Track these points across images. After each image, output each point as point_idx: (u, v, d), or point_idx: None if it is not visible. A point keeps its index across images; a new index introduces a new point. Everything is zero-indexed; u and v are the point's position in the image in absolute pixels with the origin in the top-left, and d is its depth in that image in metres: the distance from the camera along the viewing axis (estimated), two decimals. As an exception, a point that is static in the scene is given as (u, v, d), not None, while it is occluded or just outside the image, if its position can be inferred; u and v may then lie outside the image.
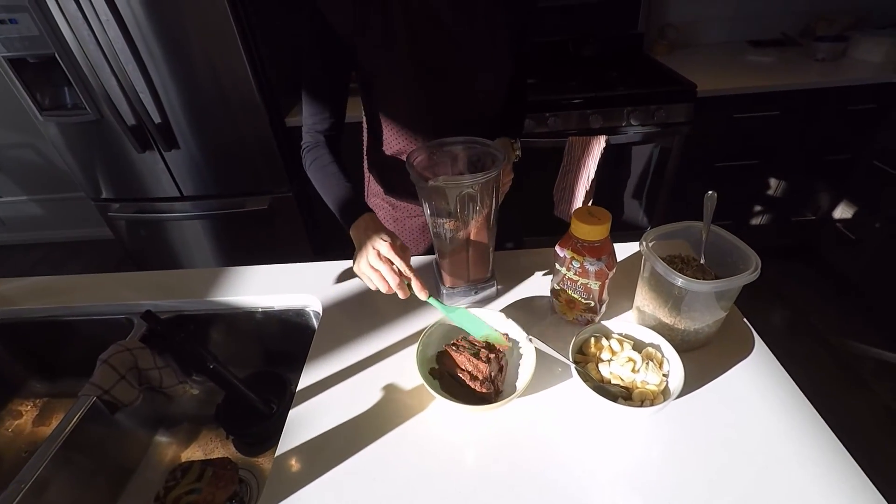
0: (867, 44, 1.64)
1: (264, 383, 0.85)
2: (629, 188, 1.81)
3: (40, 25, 1.33)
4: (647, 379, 0.53)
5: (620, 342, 0.57)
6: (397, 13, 0.69)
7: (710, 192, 0.62)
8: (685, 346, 0.60)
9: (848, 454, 0.50)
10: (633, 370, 0.53)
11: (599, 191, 1.58)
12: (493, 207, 0.63)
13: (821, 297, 1.90)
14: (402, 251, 0.61)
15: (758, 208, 1.87)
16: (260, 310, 0.83)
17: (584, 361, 0.58)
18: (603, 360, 0.56)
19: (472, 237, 0.65)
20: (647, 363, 0.53)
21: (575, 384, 0.55)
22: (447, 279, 0.72)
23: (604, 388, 0.54)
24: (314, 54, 0.73)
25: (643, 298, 0.64)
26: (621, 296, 0.71)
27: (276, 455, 0.55)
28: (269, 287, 0.83)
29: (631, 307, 0.70)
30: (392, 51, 0.71)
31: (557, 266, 0.65)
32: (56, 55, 1.38)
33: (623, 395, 0.53)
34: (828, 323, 1.79)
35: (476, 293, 0.73)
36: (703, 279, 0.57)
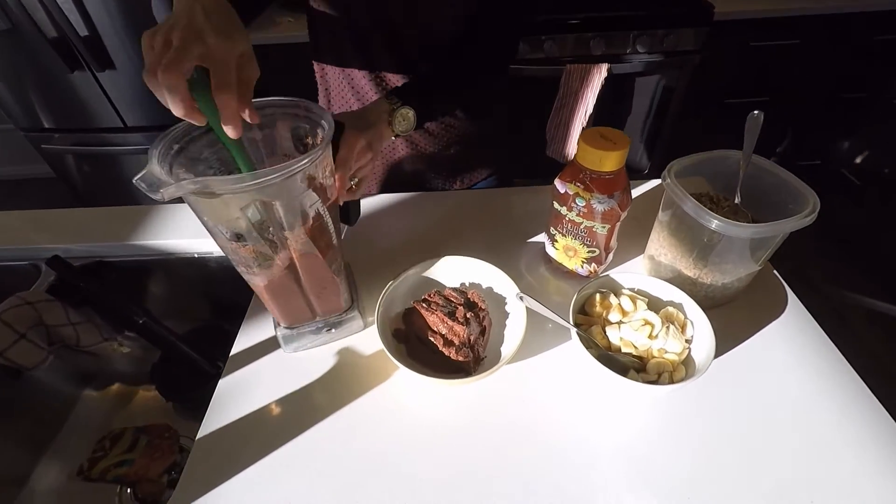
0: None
1: (208, 340, 0.73)
2: (628, 125, 1.65)
3: None
4: (666, 347, 0.42)
5: (633, 300, 0.46)
6: None
7: (755, 112, 0.48)
8: (708, 302, 0.49)
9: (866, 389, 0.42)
10: (649, 336, 0.42)
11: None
12: (325, 217, 0.40)
13: (818, 246, 1.84)
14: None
15: (763, 151, 1.75)
16: (196, 255, 0.69)
17: (588, 324, 0.46)
18: (611, 323, 0.45)
19: (297, 261, 0.41)
20: (668, 327, 0.42)
21: (575, 350, 0.44)
22: (279, 316, 0.48)
23: (612, 358, 0.43)
24: None
25: (660, 246, 0.52)
26: (627, 243, 0.59)
27: (197, 437, 0.44)
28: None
29: (640, 255, 0.59)
30: None
31: (556, 205, 0.52)
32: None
33: (635, 365, 0.43)
34: (824, 271, 1.74)
35: (330, 329, 0.50)
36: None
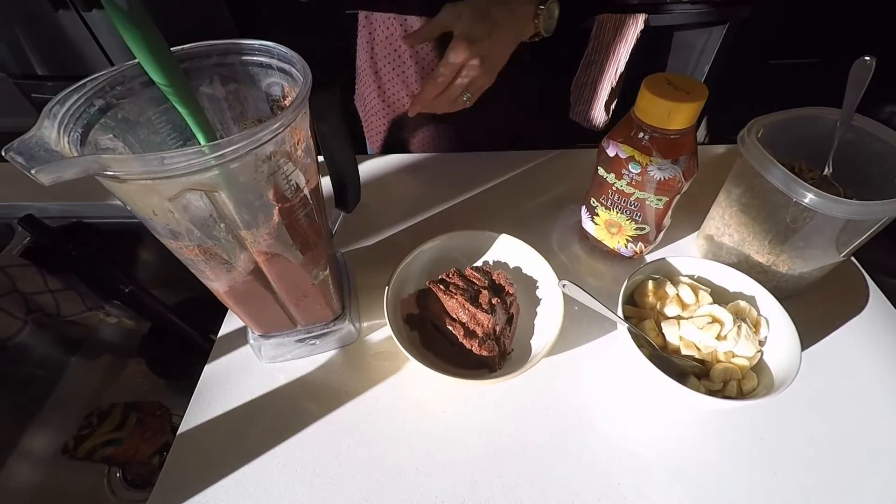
0: None
1: (202, 311, 0.67)
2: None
3: None
4: (736, 350, 0.34)
5: (695, 290, 0.38)
6: None
7: (866, 58, 0.38)
8: (779, 293, 0.41)
9: None
10: (717, 336, 0.35)
11: (623, 91, 1.30)
12: (307, 203, 0.31)
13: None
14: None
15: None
16: (186, 219, 0.62)
17: (639, 318, 0.39)
18: (667, 317, 0.37)
19: (264, 265, 0.32)
20: (739, 326, 0.35)
21: (622, 348, 0.36)
22: (252, 325, 0.40)
23: (667, 360, 0.36)
24: None
25: (724, 224, 0.43)
26: (676, 219, 0.51)
27: (178, 432, 0.38)
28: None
29: (692, 235, 0.50)
30: None
31: (601, 171, 0.43)
32: None
33: (696, 371, 0.35)
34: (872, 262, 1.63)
35: (315, 341, 0.41)
36: None
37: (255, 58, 0.31)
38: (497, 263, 0.46)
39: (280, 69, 0.30)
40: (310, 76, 0.27)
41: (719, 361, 0.35)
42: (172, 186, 0.24)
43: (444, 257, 0.45)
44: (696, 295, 0.38)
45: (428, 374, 0.36)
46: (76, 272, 0.62)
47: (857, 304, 0.44)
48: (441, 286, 0.41)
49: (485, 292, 0.41)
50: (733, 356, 0.35)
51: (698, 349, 0.36)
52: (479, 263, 0.46)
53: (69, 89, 0.26)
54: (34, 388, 0.61)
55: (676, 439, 0.36)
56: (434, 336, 0.41)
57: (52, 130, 0.24)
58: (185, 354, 0.64)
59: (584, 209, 0.49)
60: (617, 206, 0.44)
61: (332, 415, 0.39)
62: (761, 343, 0.36)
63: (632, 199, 0.42)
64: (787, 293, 0.43)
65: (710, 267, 0.40)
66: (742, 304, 0.37)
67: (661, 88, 0.36)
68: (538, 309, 0.43)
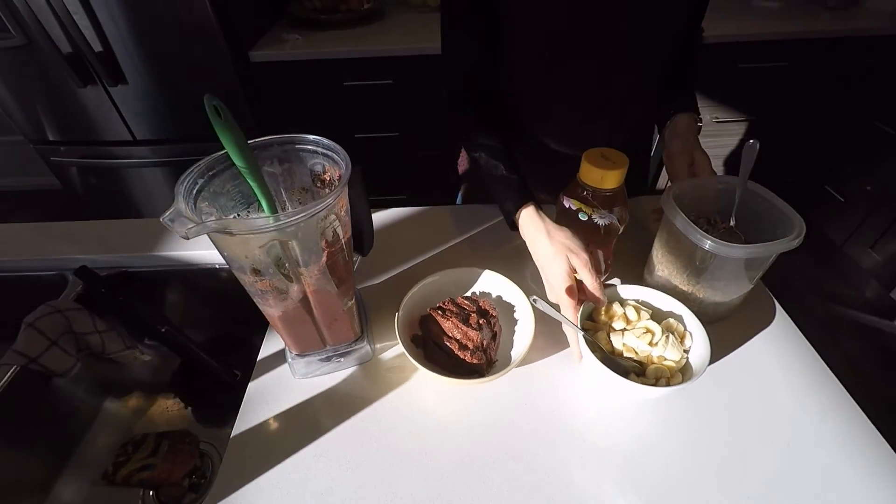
0: (881, -9, 1.53)
1: (227, 348, 0.77)
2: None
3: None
4: (666, 354, 0.46)
5: (637, 310, 0.50)
6: None
7: (751, 141, 0.53)
8: (704, 317, 0.53)
9: (878, 432, 0.46)
10: (650, 343, 0.46)
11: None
12: (343, 250, 0.43)
13: (801, 259, 1.90)
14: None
15: (753, 168, 1.82)
16: (219, 265, 0.73)
17: (594, 330, 0.51)
18: (615, 330, 0.49)
19: (310, 295, 0.43)
20: (668, 336, 0.46)
21: (589, 367, 0.48)
22: (291, 345, 0.51)
23: (614, 362, 0.47)
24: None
25: (659, 262, 0.56)
26: (633, 255, 0.64)
27: (232, 435, 0.47)
28: (228, 241, 0.72)
29: (640, 272, 0.63)
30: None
31: (560, 219, 0.56)
32: (-34, -37, 1.15)
33: (636, 370, 0.47)
34: (807, 284, 1.80)
35: (340, 358, 0.52)
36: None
37: (306, 146, 0.43)
38: (482, 293, 0.58)
39: (323, 154, 0.43)
40: (349, 161, 0.40)
41: (653, 363, 0.47)
42: (264, 238, 0.35)
43: (440, 289, 0.57)
44: (638, 314, 0.50)
45: (431, 382, 0.46)
46: (120, 315, 0.71)
47: (765, 321, 0.57)
48: (439, 311, 0.53)
49: (474, 315, 0.52)
50: (664, 360, 0.47)
51: (637, 353, 0.47)
52: (468, 293, 0.58)
53: (185, 174, 0.38)
54: (78, 419, 0.68)
55: (619, 424, 0.47)
56: (435, 351, 0.52)
57: (180, 204, 0.35)
58: (211, 386, 0.72)
59: None
60: None
61: (355, 417, 0.49)
62: (686, 351, 0.48)
63: (581, 239, 0.55)
64: (710, 318, 0.55)
65: (651, 293, 0.52)
66: (672, 321, 0.49)
67: (596, 160, 0.50)
68: (515, 327, 0.54)
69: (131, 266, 0.72)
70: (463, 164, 0.90)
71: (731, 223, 0.56)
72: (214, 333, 0.79)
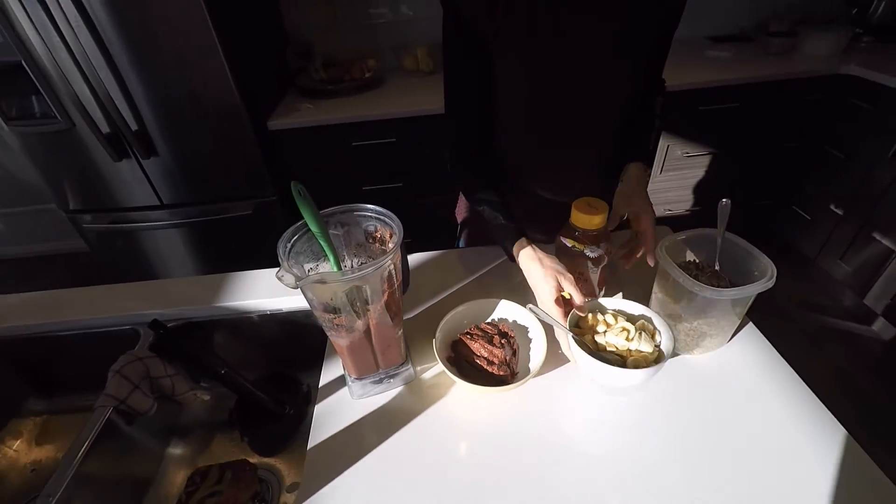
0: (814, 39, 1.77)
1: (275, 385, 0.86)
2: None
3: (4, 32, 1.27)
4: (641, 348, 0.58)
5: (615, 316, 0.62)
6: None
7: (724, 201, 0.65)
8: (700, 350, 0.66)
9: (831, 415, 0.57)
10: (627, 339, 0.58)
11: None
12: (396, 290, 0.56)
13: (782, 276, 2.04)
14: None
15: (723, 194, 1.99)
16: (267, 313, 0.84)
17: (581, 334, 0.62)
18: (598, 332, 0.61)
19: (373, 327, 0.56)
20: (640, 333, 0.58)
21: (581, 363, 0.60)
22: (351, 369, 0.62)
23: (600, 356, 0.59)
24: (460, 70, 0.74)
25: (658, 305, 0.68)
26: (637, 280, 0.77)
27: (308, 448, 0.58)
28: (275, 290, 0.84)
29: (647, 296, 0.75)
30: (507, 42, 0.68)
31: (559, 255, 0.70)
32: (23, 62, 1.33)
33: (618, 363, 0.58)
34: (789, 298, 1.93)
35: (390, 380, 0.64)
36: (718, 285, 0.62)
37: (363, 213, 0.57)
38: (501, 319, 0.70)
39: (376, 217, 0.57)
40: (400, 224, 0.53)
41: (632, 356, 0.58)
42: (346, 284, 0.48)
43: (466, 318, 0.69)
44: (616, 319, 0.62)
45: (465, 395, 0.57)
46: (184, 360, 0.82)
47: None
48: (467, 335, 0.65)
49: (496, 336, 0.64)
50: (640, 352, 0.58)
51: (617, 348, 0.59)
52: (489, 320, 0.70)
53: (280, 241, 0.51)
54: (151, 456, 0.78)
55: (616, 419, 0.58)
56: (467, 368, 0.63)
57: (284, 264, 0.48)
58: (265, 419, 0.82)
59: None
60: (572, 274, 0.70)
61: (405, 428, 0.59)
62: (657, 346, 0.59)
63: (577, 269, 0.68)
64: (707, 348, 0.66)
65: (625, 303, 0.64)
66: (643, 321, 0.61)
67: (583, 207, 0.64)
68: (530, 345, 0.66)
69: (193, 317, 0.84)
70: (461, 212, 1.04)
71: (717, 267, 0.67)
72: (263, 372, 0.89)
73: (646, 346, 0.57)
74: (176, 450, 0.81)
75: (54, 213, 1.78)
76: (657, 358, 0.57)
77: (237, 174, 1.63)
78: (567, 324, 0.60)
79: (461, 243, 1.08)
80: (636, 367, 0.56)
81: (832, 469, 0.52)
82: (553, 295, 0.61)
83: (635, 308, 0.63)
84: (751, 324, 0.70)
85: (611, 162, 0.85)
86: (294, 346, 0.88)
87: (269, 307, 0.84)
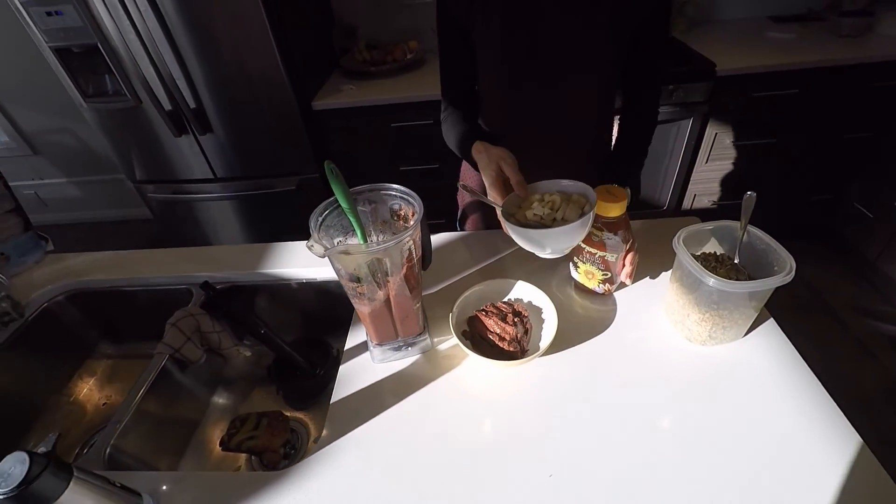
0: (892, 19, 1.61)
1: (308, 347, 0.94)
2: (647, 166, 1.83)
3: (83, 16, 1.40)
4: (567, 216, 0.63)
5: (549, 197, 0.68)
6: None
7: (749, 193, 0.63)
8: (712, 342, 0.65)
9: (846, 420, 0.56)
10: (552, 209, 0.65)
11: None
12: (415, 265, 0.59)
13: (837, 276, 1.92)
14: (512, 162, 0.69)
15: (776, 187, 1.88)
16: (304, 281, 0.92)
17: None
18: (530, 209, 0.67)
19: (392, 297, 0.61)
20: (567, 202, 0.65)
21: (588, 346, 0.62)
22: (373, 335, 0.67)
23: (526, 226, 0.64)
24: (447, 49, 0.85)
25: (673, 294, 0.68)
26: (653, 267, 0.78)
27: (330, 403, 0.64)
28: (311, 261, 0.91)
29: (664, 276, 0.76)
30: (486, 32, 0.77)
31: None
32: (98, 45, 1.46)
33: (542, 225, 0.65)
34: (843, 300, 1.82)
35: (408, 348, 0.69)
36: (737, 278, 0.61)
37: (387, 192, 0.61)
38: (517, 299, 0.73)
39: (400, 197, 0.61)
40: (421, 203, 0.57)
41: (555, 224, 0.63)
42: (368, 256, 0.53)
43: (483, 296, 0.72)
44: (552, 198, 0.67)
45: (476, 367, 0.61)
46: (230, 319, 0.91)
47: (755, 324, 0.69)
48: (483, 312, 0.68)
49: (510, 315, 0.67)
50: (565, 221, 0.63)
51: (542, 218, 0.65)
52: (505, 299, 0.73)
53: (312, 215, 0.56)
54: (199, 402, 0.88)
55: (616, 400, 0.61)
56: (480, 343, 0.67)
57: (315, 235, 0.53)
58: (297, 377, 0.90)
59: (570, 264, 0.77)
60: (590, 261, 0.72)
61: (419, 391, 0.64)
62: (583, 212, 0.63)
63: (597, 256, 0.70)
64: (720, 341, 0.65)
65: (567, 184, 0.68)
66: (579, 196, 0.66)
67: (603, 195, 0.65)
68: (543, 325, 0.69)
69: (239, 281, 0.92)
70: (463, 199, 1.07)
71: (737, 260, 0.66)
72: (297, 335, 0.97)
73: (571, 215, 0.62)
74: (220, 398, 0.91)
75: (123, 183, 1.96)
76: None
77: (283, 152, 1.72)
78: (503, 204, 0.66)
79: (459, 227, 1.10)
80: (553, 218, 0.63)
81: (839, 479, 0.51)
82: (494, 179, 0.68)
83: (575, 188, 0.67)
84: (771, 320, 0.69)
85: (595, 141, 0.89)
86: (326, 314, 0.95)
87: (306, 276, 0.91)
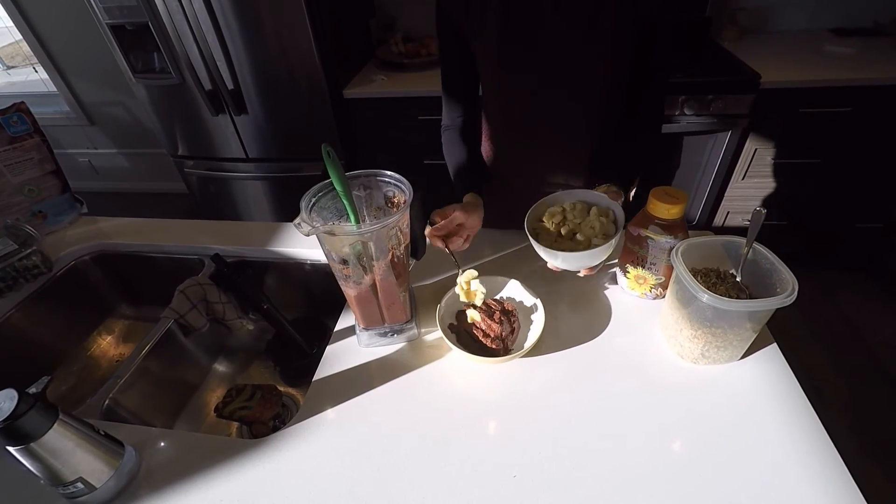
0: (969, 37, 1.48)
1: (307, 326, 0.97)
2: (678, 179, 1.77)
3: (137, -4, 1.49)
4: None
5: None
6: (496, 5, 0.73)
7: (758, 208, 0.59)
8: (705, 360, 0.62)
9: (835, 451, 0.53)
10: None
11: (648, 179, 1.56)
12: (402, 253, 0.60)
13: (878, 311, 1.79)
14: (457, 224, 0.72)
15: (818, 211, 1.77)
16: (309, 262, 0.94)
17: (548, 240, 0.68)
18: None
19: (377, 282, 0.61)
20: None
21: (575, 351, 0.61)
22: (360, 319, 0.68)
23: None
24: (447, 56, 0.86)
25: (668, 307, 0.65)
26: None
27: (313, 380, 0.66)
28: (318, 242, 0.93)
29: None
30: (484, 41, 0.77)
31: (629, 245, 0.69)
32: (149, 23, 1.54)
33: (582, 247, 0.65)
34: (882, 338, 1.69)
35: (394, 335, 0.69)
36: (737, 297, 0.58)
37: (382, 178, 0.62)
38: (508, 298, 0.72)
39: (394, 184, 0.61)
40: (412, 191, 0.57)
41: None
42: (352, 239, 0.54)
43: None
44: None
45: (460, 359, 0.61)
46: (236, 291, 0.94)
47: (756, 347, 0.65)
48: (471, 308, 0.68)
49: (497, 313, 0.67)
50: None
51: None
52: (496, 297, 0.73)
53: (305, 195, 0.58)
54: (200, 368, 0.92)
55: (589, 408, 0.59)
56: (465, 338, 0.67)
57: (304, 214, 0.54)
58: (295, 354, 0.92)
59: (618, 270, 0.74)
60: (642, 266, 0.69)
61: (402, 377, 0.65)
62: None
63: (649, 260, 0.68)
64: (714, 360, 0.62)
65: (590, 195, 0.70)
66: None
67: (662, 196, 0.62)
68: (531, 326, 0.68)
69: (248, 256, 0.96)
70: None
71: (739, 278, 0.63)
72: (298, 314, 1.00)
73: (594, 226, 0.66)
74: (220, 366, 0.95)
75: (165, 158, 2.06)
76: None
77: (312, 137, 1.77)
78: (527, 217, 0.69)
79: None
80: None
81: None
82: (444, 227, 0.71)
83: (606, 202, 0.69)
84: (774, 345, 0.65)
85: (594, 156, 0.87)
86: (327, 296, 0.97)
87: (311, 257, 0.94)
